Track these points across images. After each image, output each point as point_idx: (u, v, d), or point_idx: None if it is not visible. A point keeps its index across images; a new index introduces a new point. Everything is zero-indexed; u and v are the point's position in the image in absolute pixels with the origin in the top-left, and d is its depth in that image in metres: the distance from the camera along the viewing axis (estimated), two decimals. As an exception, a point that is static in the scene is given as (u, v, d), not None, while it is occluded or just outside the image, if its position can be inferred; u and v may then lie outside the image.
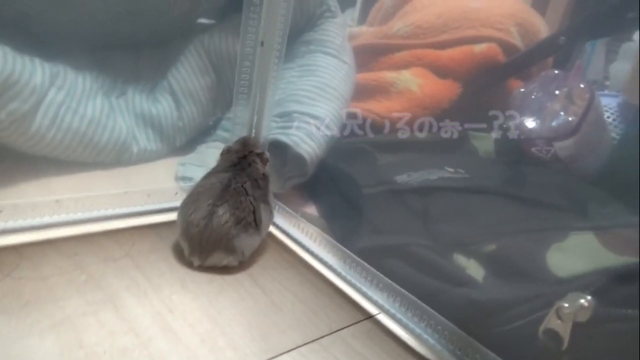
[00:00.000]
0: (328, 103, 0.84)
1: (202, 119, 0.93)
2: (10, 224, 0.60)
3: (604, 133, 0.79)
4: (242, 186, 0.63)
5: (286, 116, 0.83)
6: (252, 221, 0.62)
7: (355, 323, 0.58)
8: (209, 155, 0.84)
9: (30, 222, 0.61)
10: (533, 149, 0.77)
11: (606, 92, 0.92)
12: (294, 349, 0.52)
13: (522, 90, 0.86)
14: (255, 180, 0.65)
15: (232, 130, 0.80)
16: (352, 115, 0.90)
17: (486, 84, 0.96)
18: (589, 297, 0.44)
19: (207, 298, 0.57)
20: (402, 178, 0.75)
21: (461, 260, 0.61)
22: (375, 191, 0.75)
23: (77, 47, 0.84)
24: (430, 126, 0.93)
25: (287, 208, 0.75)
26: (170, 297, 0.56)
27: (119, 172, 0.82)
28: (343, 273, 0.64)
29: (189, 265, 0.63)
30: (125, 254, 0.63)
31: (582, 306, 0.43)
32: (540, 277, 0.53)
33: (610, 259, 0.54)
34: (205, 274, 0.62)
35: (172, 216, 0.73)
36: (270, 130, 0.79)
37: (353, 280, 0.62)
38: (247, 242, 0.63)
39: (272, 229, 0.76)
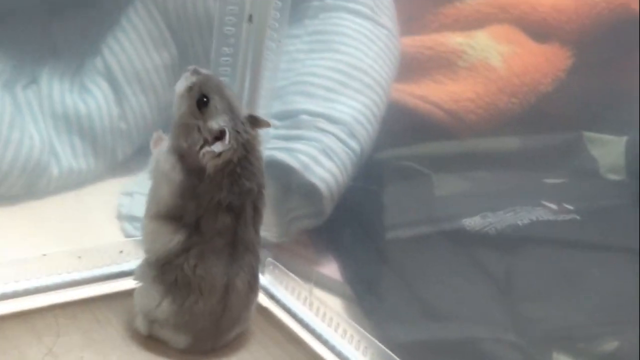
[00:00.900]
0: (356, 96, 0.87)
1: (157, 116, 0.98)
2: None
3: None
4: (253, 229, 0.68)
5: (290, 118, 0.87)
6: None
7: None
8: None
9: None
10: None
11: None
12: None
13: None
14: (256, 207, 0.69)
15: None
16: (393, 109, 0.94)
17: (616, 51, 0.98)
18: None
19: None
20: (473, 221, 0.79)
21: (564, 363, 0.65)
22: (430, 242, 0.79)
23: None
24: (521, 124, 0.96)
25: (289, 272, 0.79)
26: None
27: (32, 210, 0.88)
28: (379, 382, 0.68)
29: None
30: (47, 352, 0.69)
31: None
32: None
33: None
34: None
35: (116, 286, 0.78)
36: (264, 142, 0.84)
37: (395, 395, 0.67)
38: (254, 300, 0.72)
39: (268, 305, 0.81)
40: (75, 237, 0.81)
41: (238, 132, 0.64)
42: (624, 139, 0.90)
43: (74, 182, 0.94)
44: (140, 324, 0.70)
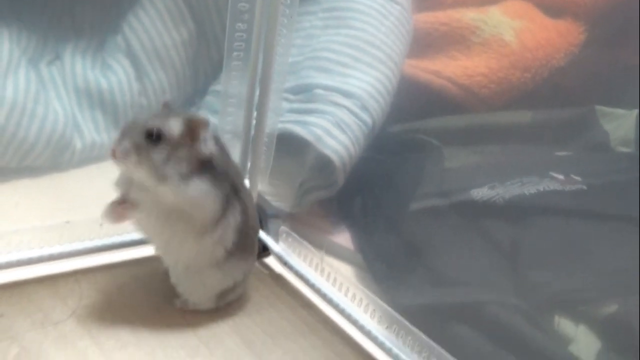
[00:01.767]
0: (368, 71, 0.90)
1: (176, 92, 1.02)
2: None
3: None
4: None
5: (304, 92, 0.90)
6: None
7: (405, 419, 0.66)
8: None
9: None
10: None
11: None
12: None
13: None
14: None
15: (221, 110, 0.88)
16: (406, 84, 0.96)
17: (629, 26, 0.99)
18: None
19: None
20: (482, 192, 0.82)
21: (566, 327, 0.67)
22: (439, 212, 0.81)
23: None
24: (534, 98, 0.97)
25: (303, 241, 0.82)
26: (136, 379, 0.66)
27: (56, 181, 0.92)
28: (387, 344, 0.71)
29: (164, 327, 0.72)
30: (71, 314, 0.73)
31: None
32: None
33: None
34: (186, 344, 0.71)
35: (135, 252, 0.82)
36: (279, 115, 0.87)
37: (402, 356, 0.69)
38: None
39: (282, 272, 0.85)
40: (97, 206, 0.84)
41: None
42: (635, 112, 0.92)
43: (96, 155, 0.98)
44: (213, 302, 0.75)
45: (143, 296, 0.77)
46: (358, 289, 0.75)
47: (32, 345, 0.68)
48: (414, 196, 0.85)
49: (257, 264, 0.87)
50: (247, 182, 0.86)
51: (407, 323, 0.70)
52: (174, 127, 0.66)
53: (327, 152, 0.84)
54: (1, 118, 0.87)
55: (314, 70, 0.91)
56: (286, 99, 0.90)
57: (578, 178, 0.83)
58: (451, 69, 0.99)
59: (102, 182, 0.93)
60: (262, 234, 0.88)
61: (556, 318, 0.68)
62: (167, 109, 0.70)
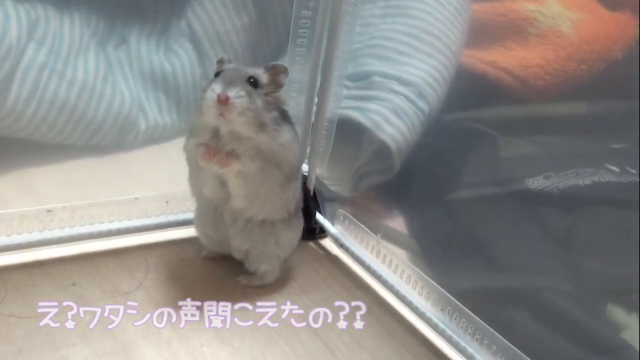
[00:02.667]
0: (426, 59, 0.92)
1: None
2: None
3: None
4: None
5: (363, 79, 0.93)
6: None
7: (456, 398, 0.69)
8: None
9: (15, 239, 0.77)
10: None
11: None
12: None
13: None
14: None
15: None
16: (463, 73, 0.98)
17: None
18: None
19: (249, 354, 0.70)
20: (537, 181, 0.83)
21: (618, 315, 0.69)
22: (494, 200, 0.84)
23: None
24: (590, 90, 0.98)
25: (360, 222, 0.86)
26: (201, 349, 0.70)
27: (122, 161, 0.97)
28: (440, 326, 0.74)
29: (226, 302, 0.76)
30: (139, 285, 0.77)
31: None
32: None
33: None
34: (248, 319, 0.75)
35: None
36: (339, 101, 0.90)
37: (454, 337, 0.72)
38: None
39: (338, 253, 0.88)
40: (163, 184, 0.89)
41: None
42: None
43: (159, 136, 1.02)
44: (277, 271, 0.80)
45: (207, 272, 0.81)
46: (413, 271, 0.78)
47: (104, 313, 0.73)
48: (469, 183, 0.87)
49: (314, 245, 0.91)
50: (306, 166, 0.90)
51: (461, 306, 0.72)
52: (262, 74, 0.69)
53: (384, 137, 0.87)
54: (72, 97, 0.91)
55: (373, 58, 0.93)
56: (345, 87, 0.92)
57: (633, 170, 0.84)
58: (507, 59, 1.00)
59: (165, 161, 0.99)
60: (319, 217, 0.91)
61: (609, 306, 0.70)
62: (224, 64, 0.72)
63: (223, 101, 0.64)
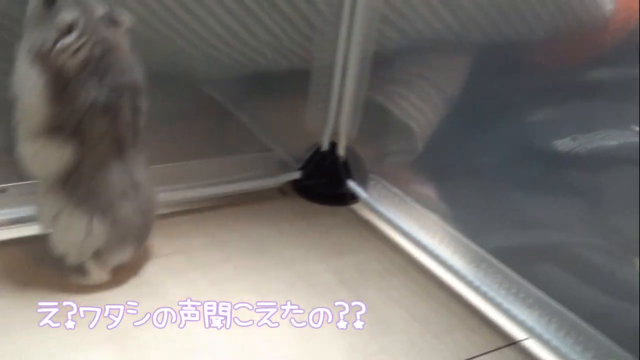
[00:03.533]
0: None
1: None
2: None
3: None
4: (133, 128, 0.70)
5: (388, 63, 0.94)
6: None
7: (493, 350, 0.70)
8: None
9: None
10: None
11: None
12: (408, 382, 0.67)
13: None
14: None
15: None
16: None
17: None
18: None
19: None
20: (564, 143, 0.85)
21: (647, 268, 0.71)
22: (522, 162, 0.86)
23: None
24: (615, 56, 1.00)
25: (392, 187, 0.88)
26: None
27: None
28: (475, 282, 0.76)
29: (262, 264, 0.79)
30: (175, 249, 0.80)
31: None
32: None
33: None
34: (286, 279, 0.77)
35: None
36: (367, 82, 0.91)
37: (490, 293, 0.75)
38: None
39: (372, 218, 0.91)
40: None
41: (91, 28, 0.63)
42: None
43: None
44: (76, 260, 0.72)
45: (242, 236, 0.85)
46: (446, 232, 0.81)
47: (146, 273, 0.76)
48: (497, 149, 0.89)
49: (346, 210, 0.94)
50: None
51: (495, 262, 0.75)
52: (65, 18, 0.62)
53: (410, 122, 0.89)
54: None
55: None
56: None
57: (659, 131, 0.85)
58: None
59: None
60: (351, 182, 0.94)
61: (634, 259, 0.72)
62: None
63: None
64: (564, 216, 0.80)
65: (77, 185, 0.67)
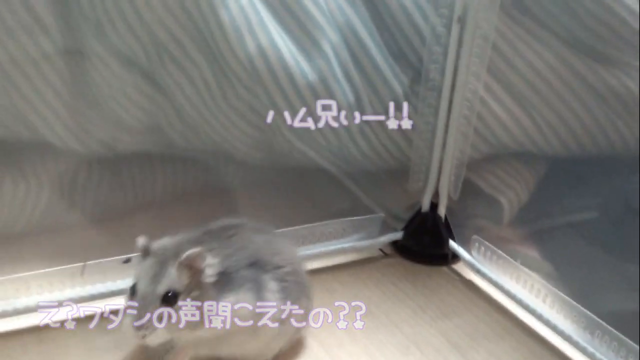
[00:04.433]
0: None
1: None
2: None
3: None
4: None
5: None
6: None
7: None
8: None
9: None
10: None
11: None
12: None
13: None
14: None
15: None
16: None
17: None
18: None
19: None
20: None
21: None
22: (629, 219, 0.85)
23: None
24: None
25: (493, 247, 0.88)
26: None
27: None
28: (589, 349, 0.75)
29: (373, 326, 0.80)
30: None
31: None
32: None
33: None
34: (398, 343, 0.78)
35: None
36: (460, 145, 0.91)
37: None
38: None
39: (472, 278, 0.92)
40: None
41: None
42: None
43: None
44: None
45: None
46: (556, 296, 0.79)
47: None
48: (598, 205, 0.89)
49: (447, 270, 0.95)
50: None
51: (610, 328, 0.74)
52: (179, 276, 0.62)
53: (500, 198, 0.92)
54: None
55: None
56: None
57: None
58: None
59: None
60: (452, 243, 0.95)
61: None
62: (147, 252, 0.65)
63: (140, 335, 0.60)
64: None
65: None
